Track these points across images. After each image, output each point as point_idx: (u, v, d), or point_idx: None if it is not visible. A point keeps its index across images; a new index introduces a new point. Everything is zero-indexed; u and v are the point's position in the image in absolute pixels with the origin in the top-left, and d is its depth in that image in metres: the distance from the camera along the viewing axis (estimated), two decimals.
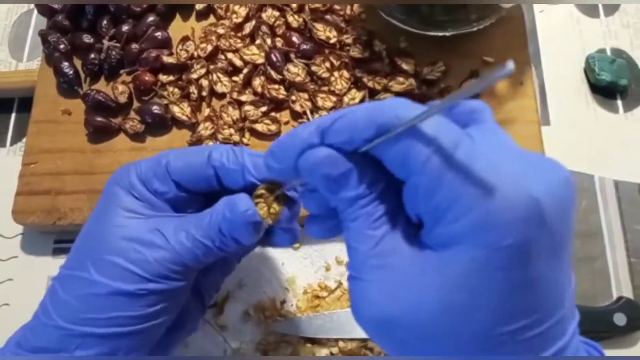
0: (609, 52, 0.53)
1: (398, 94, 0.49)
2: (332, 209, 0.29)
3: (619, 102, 0.51)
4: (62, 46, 0.53)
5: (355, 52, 0.50)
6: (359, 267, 0.25)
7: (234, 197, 0.33)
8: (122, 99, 0.52)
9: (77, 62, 0.54)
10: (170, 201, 0.35)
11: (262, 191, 0.33)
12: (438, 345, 0.23)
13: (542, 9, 0.55)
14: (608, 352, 0.42)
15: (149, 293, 0.32)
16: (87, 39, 0.53)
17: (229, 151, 0.35)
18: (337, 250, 0.48)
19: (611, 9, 0.54)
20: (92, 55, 0.53)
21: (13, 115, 0.56)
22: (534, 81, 0.51)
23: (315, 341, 0.45)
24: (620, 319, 0.43)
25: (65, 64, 0.52)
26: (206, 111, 0.51)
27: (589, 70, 0.52)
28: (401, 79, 0.49)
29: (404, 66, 0.50)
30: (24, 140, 0.53)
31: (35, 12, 0.60)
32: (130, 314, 0.32)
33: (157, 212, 0.35)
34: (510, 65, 0.18)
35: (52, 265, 0.50)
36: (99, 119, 0.51)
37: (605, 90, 0.51)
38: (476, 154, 0.23)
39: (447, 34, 0.50)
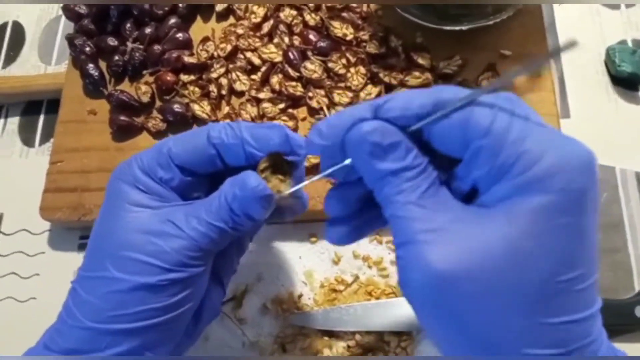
0: (630, 44, 0.52)
1: (414, 88, 0.49)
2: (359, 207, 0.30)
3: None
4: (87, 49, 0.55)
5: (371, 48, 0.51)
6: (411, 233, 0.25)
7: (241, 175, 0.33)
8: (145, 98, 0.53)
9: (102, 64, 0.56)
10: (176, 189, 0.35)
11: (265, 164, 0.34)
12: (502, 296, 0.24)
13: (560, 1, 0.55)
14: (629, 346, 0.41)
15: (171, 283, 0.33)
16: (112, 41, 0.55)
17: (226, 127, 0.35)
18: (354, 244, 0.48)
19: (633, 1, 0.54)
20: (117, 57, 0.54)
21: (41, 117, 0.58)
22: (553, 74, 0.51)
23: (332, 334, 0.46)
24: None
25: (91, 65, 0.54)
26: (225, 109, 0.52)
27: (609, 62, 0.51)
28: (417, 74, 0.49)
29: (420, 61, 0.50)
30: (52, 140, 0.55)
31: (63, 18, 0.62)
32: (155, 305, 0.33)
33: (166, 202, 0.35)
34: (575, 40, 0.20)
35: (78, 260, 0.51)
36: (122, 118, 0.52)
37: (627, 82, 0.50)
38: (530, 122, 0.25)
39: (464, 27, 0.50)
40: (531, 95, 0.49)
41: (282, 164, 0.34)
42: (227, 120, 0.51)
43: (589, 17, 0.54)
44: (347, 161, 0.28)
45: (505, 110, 0.25)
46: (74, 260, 0.51)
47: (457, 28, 0.50)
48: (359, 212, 0.31)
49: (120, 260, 0.33)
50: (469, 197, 0.27)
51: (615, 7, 0.54)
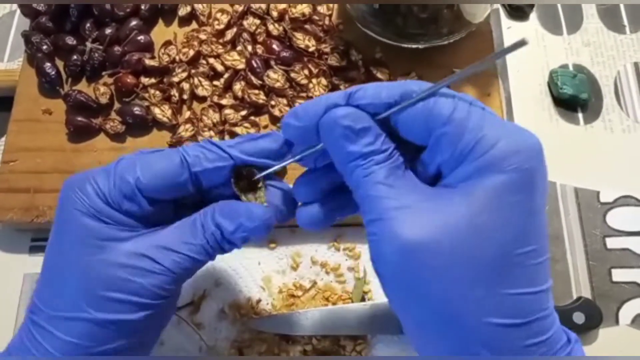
0: (571, 68, 0.56)
1: None
2: (328, 191, 0.31)
3: (580, 115, 0.54)
4: (44, 47, 0.54)
5: (332, 61, 0.52)
6: (381, 210, 0.27)
7: (244, 206, 0.33)
8: (104, 99, 0.53)
9: (59, 63, 0.55)
10: (140, 217, 0.34)
11: (240, 180, 0.34)
12: (464, 267, 0.26)
13: (509, 25, 0.58)
14: None
15: (150, 314, 0.33)
16: (70, 40, 0.54)
17: (204, 151, 0.34)
18: (312, 250, 0.49)
19: (573, 28, 0.58)
20: (75, 57, 0.54)
21: None
22: (501, 93, 0.54)
23: (289, 338, 0.47)
24: (579, 318, 0.45)
25: (48, 64, 0.53)
26: (187, 114, 0.52)
27: (552, 84, 0.55)
28: None
29: (379, 75, 0.52)
30: (4, 138, 0.53)
31: (17, 13, 0.60)
32: (133, 338, 0.33)
33: (134, 232, 0.33)
34: (525, 39, 0.23)
35: (29, 262, 0.50)
36: (79, 118, 0.52)
37: (567, 104, 0.54)
38: (486, 110, 0.27)
39: (420, 46, 0.52)
40: None
41: (252, 173, 0.35)
42: (192, 138, 0.51)
43: (534, 41, 0.57)
44: (320, 145, 0.30)
45: (465, 101, 0.27)
46: (25, 262, 0.50)
47: (414, 46, 0.52)
48: (327, 197, 0.33)
49: (98, 300, 0.32)
50: (433, 181, 0.29)
51: (558, 33, 0.58)
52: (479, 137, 0.26)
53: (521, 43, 0.23)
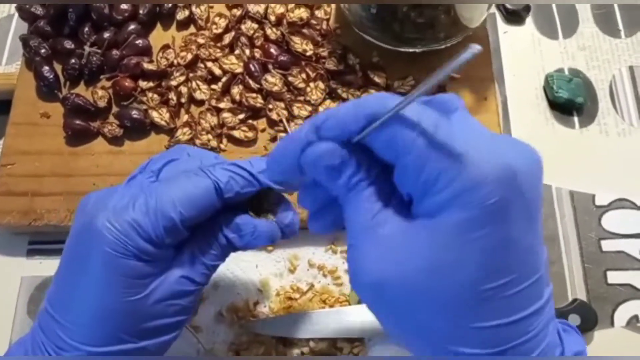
0: (566, 72, 0.56)
1: None
2: (328, 202, 0.31)
3: (575, 119, 0.55)
4: (43, 51, 0.54)
5: (330, 65, 0.53)
6: (356, 235, 0.27)
7: (249, 224, 0.36)
8: (102, 103, 0.53)
9: (57, 67, 0.55)
10: (175, 245, 0.35)
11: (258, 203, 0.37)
12: (426, 303, 0.26)
13: (506, 30, 0.59)
14: None
15: (188, 320, 0.37)
16: (69, 44, 0.54)
17: (234, 177, 0.35)
18: (309, 253, 0.50)
19: (569, 32, 0.58)
20: (73, 60, 0.54)
21: None
22: (497, 97, 0.54)
23: (286, 341, 0.47)
24: (574, 319, 0.45)
25: (46, 68, 0.53)
26: (185, 117, 0.52)
27: (548, 88, 0.55)
28: (373, 91, 0.52)
29: (376, 79, 0.52)
30: (1, 141, 0.53)
31: (15, 17, 0.60)
32: (167, 347, 0.37)
33: (168, 260, 0.35)
34: (476, 47, 0.21)
35: (26, 265, 0.50)
36: (77, 122, 0.52)
37: (563, 107, 0.55)
38: (454, 133, 0.25)
39: (417, 50, 0.53)
40: (477, 117, 0.52)
41: (268, 196, 0.38)
42: (190, 142, 0.52)
43: (530, 46, 0.58)
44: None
45: (431, 122, 0.25)
46: (22, 265, 0.50)
47: (411, 50, 0.53)
48: (331, 205, 0.32)
49: (142, 331, 0.34)
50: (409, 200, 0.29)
51: (554, 37, 0.58)
52: (439, 170, 0.25)
53: (474, 50, 0.22)
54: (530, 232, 0.26)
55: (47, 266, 0.50)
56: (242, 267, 0.49)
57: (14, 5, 0.60)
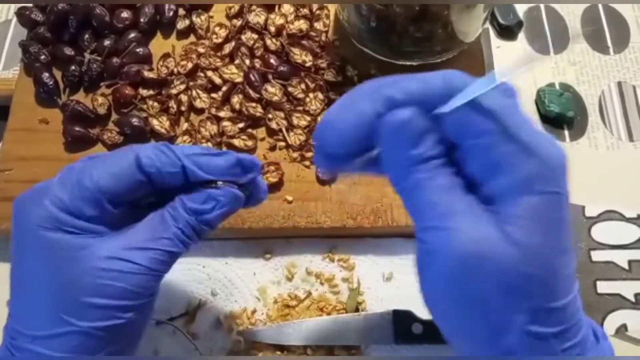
0: (557, 87, 0.58)
1: None
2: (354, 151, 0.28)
3: (566, 132, 0.56)
4: (42, 57, 0.54)
5: (329, 76, 0.54)
6: (443, 217, 0.26)
7: (210, 189, 0.34)
8: (102, 110, 0.53)
9: (57, 73, 0.55)
10: (103, 220, 0.34)
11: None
12: (516, 283, 0.26)
13: (499, 45, 0.60)
14: None
15: (139, 307, 0.33)
16: (69, 51, 0.55)
17: (159, 153, 0.34)
18: (307, 261, 0.50)
19: (560, 48, 0.60)
20: (73, 67, 0.54)
21: None
22: None
23: (284, 349, 0.47)
24: None
25: (46, 74, 0.53)
26: (185, 125, 0.53)
27: (539, 102, 0.57)
28: None
29: None
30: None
31: (13, 23, 0.61)
32: (125, 337, 0.34)
33: (103, 236, 0.33)
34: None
35: None
36: (77, 128, 0.52)
37: (554, 121, 0.56)
38: (521, 122, 0.27)
39: (414, 63, 0.54)
40: None
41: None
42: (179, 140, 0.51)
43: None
44: (375, 152, 0.28)
45: (505, 108, 0.26)
46: None
47: (408, 63, 0.54)
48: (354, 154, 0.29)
49: (79, 309, 0.32)
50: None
51: (546, 52, 0.60)
52: (511, 154, 0.26)
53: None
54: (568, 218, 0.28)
55: None
56: (239, 274, 0.50)
57: (11, 11, 0.61)
